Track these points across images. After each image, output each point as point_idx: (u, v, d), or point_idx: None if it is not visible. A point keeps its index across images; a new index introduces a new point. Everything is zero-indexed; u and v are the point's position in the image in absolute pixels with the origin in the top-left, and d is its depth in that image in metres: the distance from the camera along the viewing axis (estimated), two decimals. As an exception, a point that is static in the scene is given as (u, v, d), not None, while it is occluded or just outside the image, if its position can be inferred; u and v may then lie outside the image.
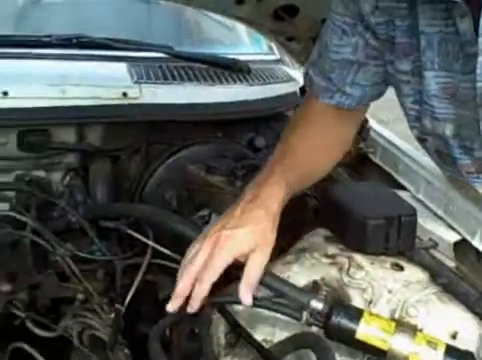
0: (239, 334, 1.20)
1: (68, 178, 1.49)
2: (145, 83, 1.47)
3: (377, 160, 1.60)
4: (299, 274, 1.21)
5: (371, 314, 1.05)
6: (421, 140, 1.14)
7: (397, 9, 1.00)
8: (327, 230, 1.33)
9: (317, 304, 1.08)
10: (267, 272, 1.12)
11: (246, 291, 1.02)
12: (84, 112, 1.39)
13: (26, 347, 0.88)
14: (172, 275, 1.33)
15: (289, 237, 1.42)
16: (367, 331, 1.01)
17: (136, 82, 1.47)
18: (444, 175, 1.32)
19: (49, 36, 1.53)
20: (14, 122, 1.35)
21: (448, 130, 1.04)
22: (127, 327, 1.05)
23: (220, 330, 1.22)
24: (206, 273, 0.97)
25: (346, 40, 1.09)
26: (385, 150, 1.58)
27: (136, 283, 1.16)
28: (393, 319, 1.06)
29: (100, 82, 1.41)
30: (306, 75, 1.21)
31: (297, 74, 1.88)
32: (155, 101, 1.46)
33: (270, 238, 1.04)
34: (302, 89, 1.79)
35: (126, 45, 1.59)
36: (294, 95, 1.77)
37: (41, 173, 1.45)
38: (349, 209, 1.23)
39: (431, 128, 1.06)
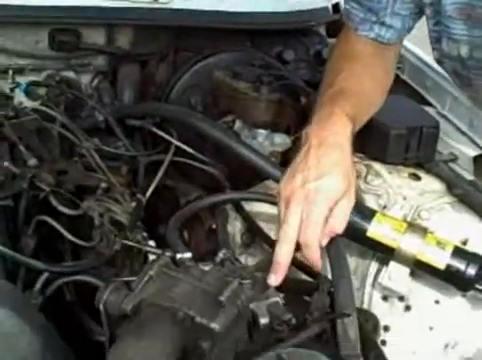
0: (255, 234, 1.25)
1: (96, 81, 1.52)
2: (177, -12, 1.47)
3: (404, 76, 1.59)
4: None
5: (383, 214, 1.08)
6: (440, 62, 1.15)
7: None
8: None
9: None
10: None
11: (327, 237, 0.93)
12: (114, 13, 1.40)
13: (49, 220, 0.93)
14: (192, 181, 1.38)
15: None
16: (378, 229, 1.04)
17: (168, -14, 1.47)
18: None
19: None
20: (46, 20, 1.37)
21: (463, 51, 1.05)
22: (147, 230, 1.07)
23: (236, 230, 1.27)
24: (311, 231, 0.90)
25: None
26: (413, 66, 1.57)
27: (158, 177, 1.20)
28: (405, 220, 1.09)
29: (132, -16, 1.42)
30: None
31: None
32: (186, 6, 1.46)
33: (353, 179, 0.97)
34: (335, 6, 1.77)
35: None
36: (325, 10, 1.75)
37: (71, 74, 1.48)
38: (372, 118, 1.24)
39: (448, 50, 1.08)
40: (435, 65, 1.53)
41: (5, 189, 0.87)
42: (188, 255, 0.89)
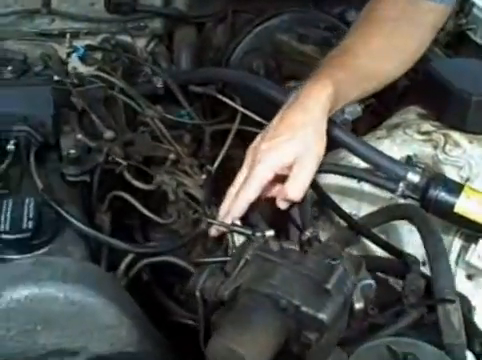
0: (325, 206, 1.19)
1: (152, 45, 1.45)
2: None
3: (478, 39, 1.49)
4: (390, 149, 1.17)
5: (472, 189, 1.01)
6: None
7: None
8: (420, 107, 1.28)
9: (414, 176, 1.04)
10: (362, 141, 1.08)
11: (283, 203, 0.91)
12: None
13: (126, 196, 0.88)
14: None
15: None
16: (467, 205, 0.98)
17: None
18: None
19: None
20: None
21: None
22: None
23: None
24: (242, 191, 0.88)
25: None
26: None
27: (225, 147, 1.14)
28: (495, 196, 1.02)
29: None
30: None
31: None
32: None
33: (312, 146, 0.89)
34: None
35: None
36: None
37: (127, 38, 1.41)
38: (451, 84, 1.17)
39: None
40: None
41: (81, 164, 0.81)
42: (271, 233, 0.84)
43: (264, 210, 0.98)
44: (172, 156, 1.05)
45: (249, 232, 0.77)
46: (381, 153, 1.08)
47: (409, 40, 1.06)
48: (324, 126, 0.92)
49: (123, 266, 0.77)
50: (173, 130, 1.19)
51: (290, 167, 0.89)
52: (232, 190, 0.91)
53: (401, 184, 1.02)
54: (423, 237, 0.87)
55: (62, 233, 0.73)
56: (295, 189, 0.90)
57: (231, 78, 1.20)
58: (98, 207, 0.87)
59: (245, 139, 1.27)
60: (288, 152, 0.89)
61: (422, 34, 1.08)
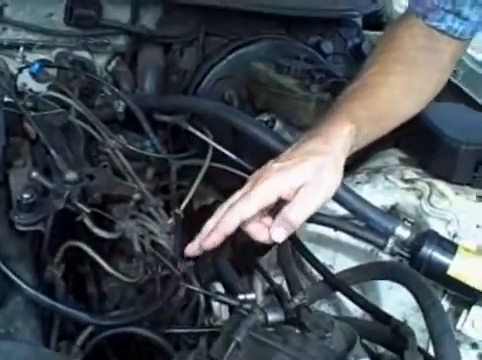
0: (299, 254, 1.09)
1: (114, 63, 1.32)
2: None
3: (458, 81, 1.43)
4: (371, 196, 1.09)
5: (466, 249, 0.93)
6: None
7: None
8: (402, 151, 1.20)
9: (404, 231, 0.95)
10: (347, 189, 0.99)
11: (279, 226, 0.81)
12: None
13: (85, 247, 0.74)
14: (209, 182, 1.20)
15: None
16: (461, 267, 0.90)
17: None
18: None
19: None
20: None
21: None
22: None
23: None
24: (240, 204, 0.78)
25: None
26: (471, 71, 1.41)
27: (194, 186, 1.02)
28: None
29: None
30: None
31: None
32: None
33: (326, 176, 0.82)
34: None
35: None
36: (366, 1, 1.58)
37: (85, 54, 1.28)
38: (439, 131, 1.09)
39: None
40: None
41: (36, 210, 0.67)
42: (252, 297, 0.73)
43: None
44: (137, 196, 0.92)
45: (235, 302, 0.66)
46: (367, 202, 0.99)
47: (428, 81, 1.02)
48: (342, 161, 0.85)
49: (81, 339, 0.64)
50: (134, 161, 1.06)
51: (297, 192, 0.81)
52: (224, 206, 0.81)
53: (391, 240, 0.93)
54: (423, 309, 0.77)
55: (8, 302, 0.59)
56: (297, 212, 0.80)
57: (208, 110, 1.08)
58: (49, 259, 0.73)
59: (213, 177, 1.16)
60: (300, 174, 0.80)
61: (441, 72, 1.04)
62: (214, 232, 0.77)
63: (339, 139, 0.85)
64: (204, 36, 1.34)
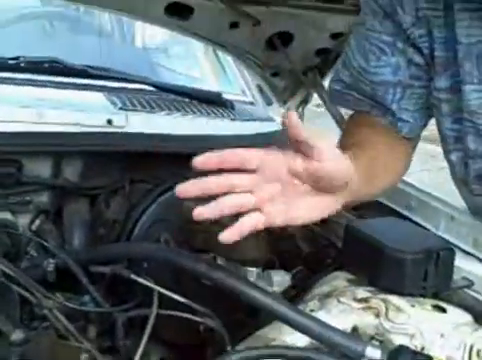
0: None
1: (38, 222, 1.25)
2: (131, 111, 1.29)
3: (383, 199, 1.47)
4: (328, 322, 1.04)
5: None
6: (463, 164, 1.02)
7: (435, 18, 0.91)
8: (348, 272, 1.19)
9: (374, 352, 0.91)
10: (308, 316, 0.94)
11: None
12: (63, 139, 1.17)
13: None
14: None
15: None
16: (441, 380, 0.85)
17: (122, 108, 1.28)
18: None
19: (17, 58, 1.32)
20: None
21: None
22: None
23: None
24: None
25: (385, 60, 0.98)
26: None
27: (144, 341, 0.94)
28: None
29: (81, 107, 1.21)
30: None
31: (276, 114, 1.77)
32: (143, 130, 1.27)
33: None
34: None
35: (105, 73, 1.40)
36: (276, 134, 1.65)
37: (6, 215, 1.21)
38: (381, 244, 1.09)
39: (475, 148, 0.96)
40: (418, 183, 1.44)
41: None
42: None
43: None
44: (84, 357, 0.83)
45: None
46: (331, 327, 0.94)
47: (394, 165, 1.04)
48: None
49: None
50: (74, 320, 0.97)
51: None
52: None
53: (362, 363, 0.88)
54: None
55: None
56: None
57: (148, 254, 1.02)
58: None
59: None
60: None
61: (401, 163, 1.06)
62: None
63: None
64: (129, 183, 1.32)
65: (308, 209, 0.82)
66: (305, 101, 1.65)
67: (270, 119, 1.73)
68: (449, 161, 1.05)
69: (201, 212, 0.77)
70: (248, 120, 1.58)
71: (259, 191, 0.77)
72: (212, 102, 1.52)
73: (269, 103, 1.79)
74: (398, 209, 1.43)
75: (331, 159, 0.78)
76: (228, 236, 0.77)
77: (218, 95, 1.57)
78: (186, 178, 1.29)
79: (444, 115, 0.98)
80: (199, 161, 0.76)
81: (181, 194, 0.76)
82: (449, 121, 0.97)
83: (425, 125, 1.04)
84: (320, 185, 0.80)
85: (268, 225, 0.79)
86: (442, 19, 0.90)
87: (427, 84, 0.97)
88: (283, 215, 0.79)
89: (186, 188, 0.77)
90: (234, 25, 1.35)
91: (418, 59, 0.96)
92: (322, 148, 0.76)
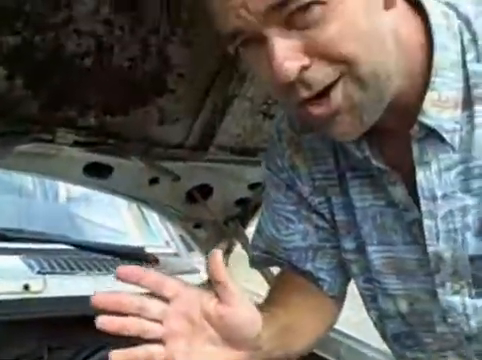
0: None
1: None
2: (49, 274, 1.24)
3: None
4: None
5: None
6: (381, 323, 1.02)
7: (330, 187, 0.96)
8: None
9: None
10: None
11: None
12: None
13: None
14: None
15: None
16: None
17: (39, 272, 1.23)
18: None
19: None
20: None
21: (403, 306, 0.95)
22: None
23: None
24: None
25: (294, 228, 1.00)
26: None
27: None
28: None
29: (-5, 273, 1.16)
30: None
31: (201, 265, 1.76)
32: (62, 294, 1.22)
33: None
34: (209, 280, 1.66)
35: (23, 235, 1.36)
36: (203, 286, 1.62)
37: None
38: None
39: (386, 308, 0.97)
40: (348, 331, 1.42)
41: None
42: None
43: None
44: None
45: None
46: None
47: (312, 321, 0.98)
48: None
49: None
50: None
51: None
52: None
53: None
54: None
55: None
56: None
57: None
58: None
59: None
60: None
61: (324, 321, 1.00)
62: None
63: None
64: (48, 352, 1.23)
65: (211, 359, 0.79)
66: (228, 251, 1.65)
67: (194, 270, 1.72)
68: (371, 319, 1.05)
69: (103, 322, 0.72)
70: (171, 274, 1.55)
71: (167, 323, 0.75)
72: (135, 258, 1.50)
73: (190, 249, 1.79)
74: (327, 357, 1.41)
75: (243, 306, 0.76)
76: (119, 355, 0.71)
77: (141, 250, 1.54)
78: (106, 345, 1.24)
79: (355, 275, 0.98)
80: (122, 272, 0.73)
81: (96, 303, 0.72)
82: (361, 280, 0.98)
83: (346, 282, 1.04)
84: (230, 334, 0.78)
85: None
86: (337, 187, 0.93)
87: (337, 245, 0.99)
88: (184, 357, 0.76)
89: (101, 298, 0.72)
90: (154, 181, 1.37)
91: (322, 223, 0.98)
92: (235, 292, 0.75)
